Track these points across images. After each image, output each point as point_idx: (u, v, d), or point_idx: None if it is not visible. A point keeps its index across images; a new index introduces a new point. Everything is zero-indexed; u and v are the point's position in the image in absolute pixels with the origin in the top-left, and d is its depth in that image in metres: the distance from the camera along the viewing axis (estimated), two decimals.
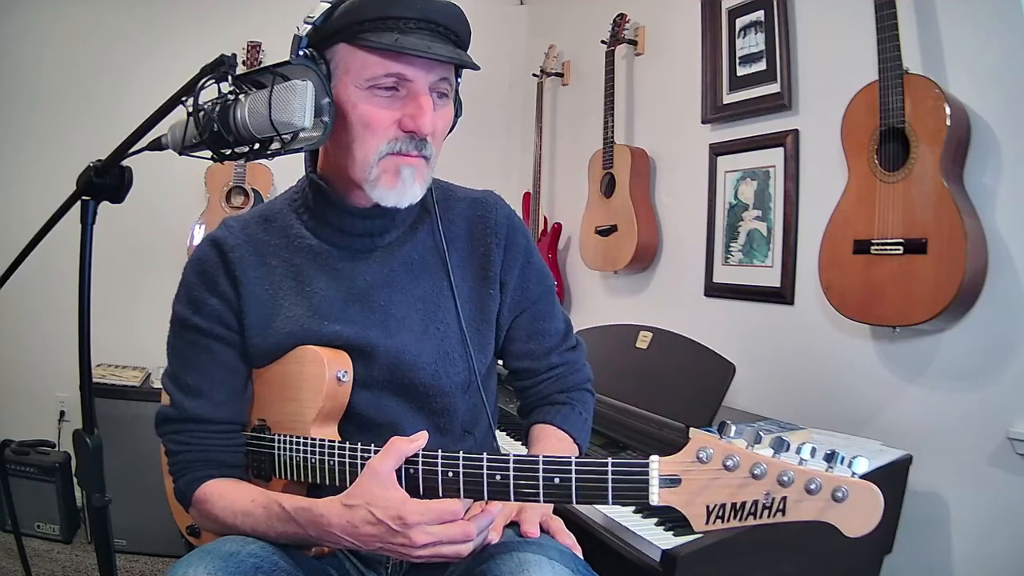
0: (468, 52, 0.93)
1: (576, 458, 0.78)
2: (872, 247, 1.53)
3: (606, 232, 2.48)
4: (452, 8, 0.90)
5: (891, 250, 1.49)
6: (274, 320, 0.96)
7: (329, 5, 0.87)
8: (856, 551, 1.40)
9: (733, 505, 0.70)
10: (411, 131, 0.89)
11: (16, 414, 2.70)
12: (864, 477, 0.68)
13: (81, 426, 0.84)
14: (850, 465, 0.68)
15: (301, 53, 0.88)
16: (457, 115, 0.99)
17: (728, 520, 0.70)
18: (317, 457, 0.90)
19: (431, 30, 0.87)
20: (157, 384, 2.49)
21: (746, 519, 0.69)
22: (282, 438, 0.94)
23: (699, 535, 1.14)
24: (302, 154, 0.95)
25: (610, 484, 0.75)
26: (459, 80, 0.97)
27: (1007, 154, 1.45)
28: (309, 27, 0.87)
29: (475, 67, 0.90)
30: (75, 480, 2.38)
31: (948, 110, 1.41)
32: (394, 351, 0.96)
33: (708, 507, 0.71)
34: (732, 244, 2.14)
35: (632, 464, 0.75)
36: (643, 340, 1.77)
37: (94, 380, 0.87)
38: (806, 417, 1.69)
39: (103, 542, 0.85)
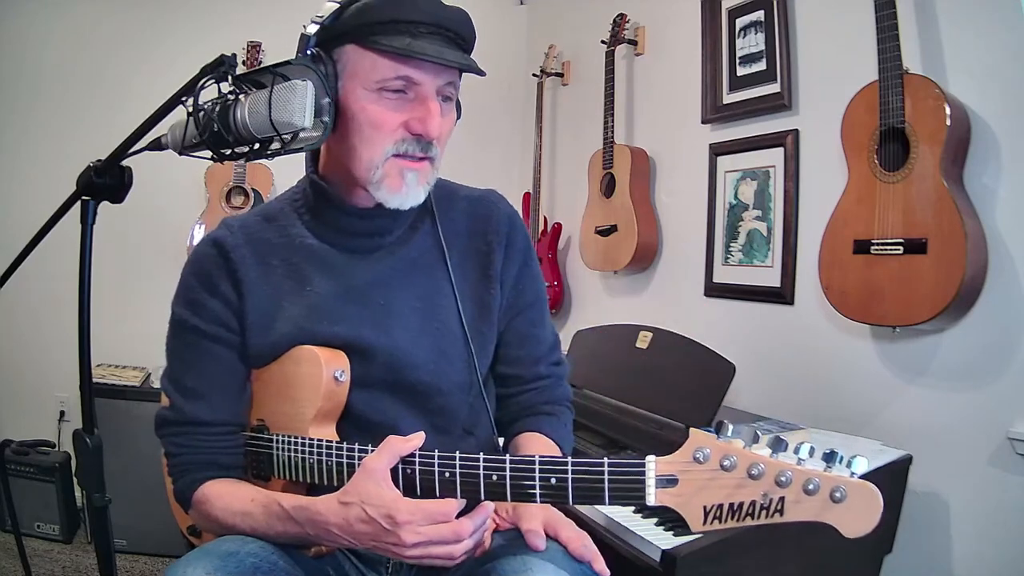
0: (471, 55, 0.94)
1: (572, 458, 0.77)
2: (872, 247, 1.53)
3: (606, 232, 2.48)
4: (461, 14, 0.91)
5: (891, 250, 1.49)
6: (275, 320, 0.96)
7: (338, 5, 0.87)
8: (856, 551, 1.40)
9: (731, 506, 0.69)
10: (419, 134, 0.89)
11: (16, 414, 2.70)
12: (864, 477, 0.67)
13: (81, 426, 0.84)
14: (849, 465, 0.67)
15: (309, 52, 0.88)
16: (457, 117, 0.99)
17: (725, 521, 0.69)
18: (315, 457, 0.90)
19: (441, 35, 0.88)
20: (157, 384, 2.49)
21: (744, 520, 0.69)
22: (280, 438, 0.94)
23: (699, 535, 1.14)
24: (302, 154, 0.95)
25: (607, 484, 0.75)
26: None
27: (1007, 154, 1.45)
28: (317, 26, 0.87)
29: (482, 73, 0.91)
30: (75, 480, 2.38)
31: (948, 110, 1.41)
32: (390, 349, 0.96)
33: (705, 508, 0.70)
34: (732, 244, 2.14)
35: (628, 464, 0.74)
36: (643, 340, 1.77)
37: (94, 380, 0.87)
38: (806, 417, 1.70)
39: (103, 542, 0.85)
